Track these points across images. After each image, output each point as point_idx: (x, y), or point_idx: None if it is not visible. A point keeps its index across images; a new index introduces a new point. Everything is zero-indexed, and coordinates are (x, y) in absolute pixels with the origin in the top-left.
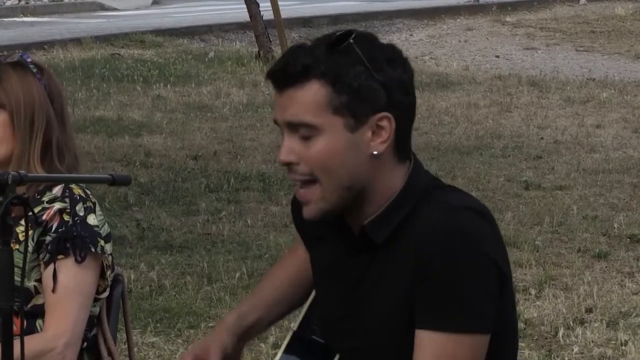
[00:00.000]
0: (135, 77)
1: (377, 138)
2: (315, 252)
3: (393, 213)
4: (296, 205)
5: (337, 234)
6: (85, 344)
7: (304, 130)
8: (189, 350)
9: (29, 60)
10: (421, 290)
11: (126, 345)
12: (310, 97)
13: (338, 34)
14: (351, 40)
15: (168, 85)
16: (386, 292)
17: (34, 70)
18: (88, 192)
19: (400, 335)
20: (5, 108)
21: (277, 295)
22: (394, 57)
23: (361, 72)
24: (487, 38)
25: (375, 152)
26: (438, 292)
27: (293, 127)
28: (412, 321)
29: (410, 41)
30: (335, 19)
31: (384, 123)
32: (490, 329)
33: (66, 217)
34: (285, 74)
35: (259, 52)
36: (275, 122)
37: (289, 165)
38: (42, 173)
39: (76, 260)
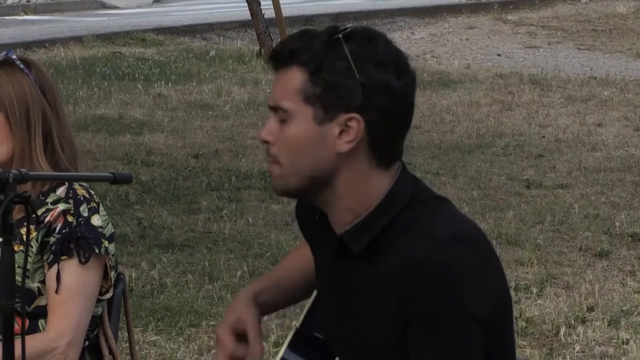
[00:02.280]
0: (137, 75)
1: (344, 137)
2: (314, 255)
3: (371, 223)
4: (300, 208)
5: (325, 238)
6: (86, 342)
7: (281, 113)
8: (221, 324)
9: (14, 57)
10: (411, 326)
11: (127, 344)
12: (289, 81)
13: (345, 28)
14: (340, 36)
15: (169, 84)
16: (372, 311)
17: (21, 67)
18: (92, 192)
19: (388, 351)
20: (1, 109)
21: (291, 280)
22: (387, 61)
23: (342, 68)
24: (488, 36)
25: (340, 151)
26: (428, 328)
27: (274, 109)
28: (401, 340)
29: (411, 39)
30: (336, 17)
31: (352, 124)
32: (481, 356)
33: (70, 218)
34: (276, 55)
35: (260, 50)
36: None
37: (265, 143)
38: (46, 166)
39: (80, 262)
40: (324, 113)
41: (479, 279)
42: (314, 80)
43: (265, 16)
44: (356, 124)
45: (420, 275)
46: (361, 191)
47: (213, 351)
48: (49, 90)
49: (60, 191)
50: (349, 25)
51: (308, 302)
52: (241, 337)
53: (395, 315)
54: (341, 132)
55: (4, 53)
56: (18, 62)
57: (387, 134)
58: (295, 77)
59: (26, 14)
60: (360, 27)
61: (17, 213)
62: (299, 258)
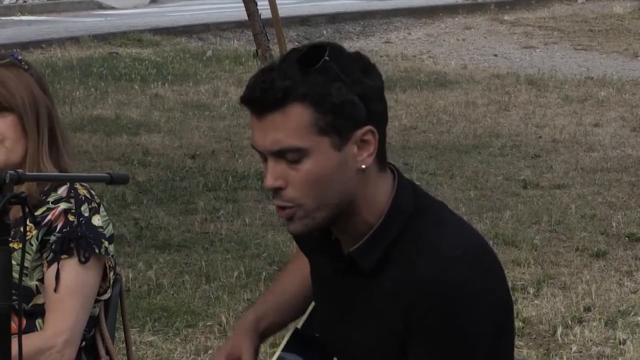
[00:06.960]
0: (133, 75)
1: (364, 152)
2: (311, 263)
3: (379, 239)
4: None
5: (327, 251)
6: (83, 343)
7: (292, 155)
8: (219, 351)
9: (19, 58)
10: (417, 338)
11: (124, 344)
12: (293, 120)
13: (307, 49)
14: (327, 58)
15: (166, 84)
16: (374, 324)
17: (26, 67)
18: (93, 192)
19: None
20: (14, 110)
21: (290, 298)
22: (366, 65)
23: (340, 87)
24: (485, 37)
25: (363, 167)
26: (435, 343)
27: (279, 153)
28: (400, 351)
29: (408, 40)
30: (332, 17)
31: (368, 137)
32: None
33: (71, 218)
34: (265, 100)
35: (256, 50)
36: (255, 147)
37: (275, 190)
38: (50, 167)
39: (80, 261)
40: (339, 138)
41: (488, 297)
42: (321, 111)
43: (262, 16)
44: (371, 135)
45: (429, 293)
46: (372, 201)
47: (210, 351)
48: (47, 90)
49: (62, 190)
50: (310, 46)
51: (310, 305)
52: None
53: (399, 329)
54: (359, 149)
55: (9, 54)
56: (23, 64)
57: (384, 134)
58: (299, 113)
59: (23, 14)
60: (325, 43)
61: (17, 212)
62: (297, 279)
